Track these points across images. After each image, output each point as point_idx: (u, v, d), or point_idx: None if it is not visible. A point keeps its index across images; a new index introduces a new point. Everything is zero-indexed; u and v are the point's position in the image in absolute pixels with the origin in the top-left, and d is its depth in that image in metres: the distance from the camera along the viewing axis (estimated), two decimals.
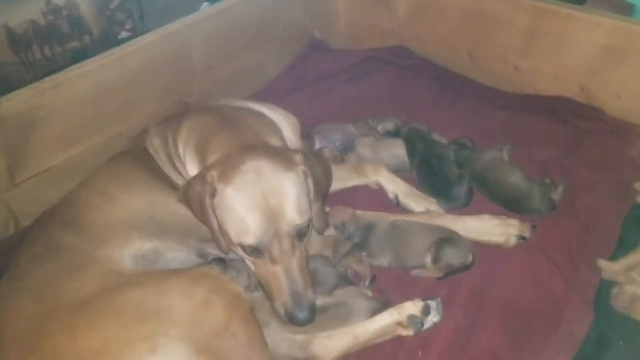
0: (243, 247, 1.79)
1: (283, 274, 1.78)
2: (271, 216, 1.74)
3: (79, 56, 2.57)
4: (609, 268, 2.01)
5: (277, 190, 1.77)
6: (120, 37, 3.52)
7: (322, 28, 3.60)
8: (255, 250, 1.78)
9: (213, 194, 1.76)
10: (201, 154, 1.94)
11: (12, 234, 2.32)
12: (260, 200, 1.74)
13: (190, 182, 1.86)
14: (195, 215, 1.87)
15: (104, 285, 1.60)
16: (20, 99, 2.19)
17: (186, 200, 1.87)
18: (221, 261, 1.90)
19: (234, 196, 1.75)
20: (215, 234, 1.82)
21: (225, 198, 1.76)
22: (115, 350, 1.46)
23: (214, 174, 1.77)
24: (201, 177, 1.80)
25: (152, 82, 2.63)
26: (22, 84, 2.27)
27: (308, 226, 1.85)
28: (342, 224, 2.12)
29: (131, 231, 1.84)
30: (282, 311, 1.78)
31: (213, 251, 1.97)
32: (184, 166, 2.02)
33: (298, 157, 1.86)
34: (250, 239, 1.75)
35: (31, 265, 1.70)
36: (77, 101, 2.36)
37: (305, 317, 1.76)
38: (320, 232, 2.02)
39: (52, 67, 2.66)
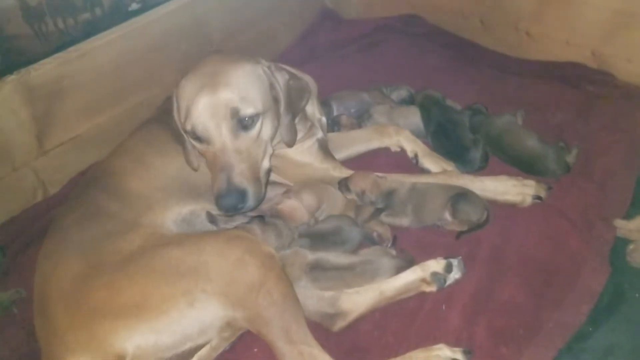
0: (192, 135, 1.86)
1: (218, 158, 1.82)
2: (211, 98, 1.80)
3: (90, 28, 2.58)
4: (625, 226, 2.07)
5: (224, 75, 1.85)
6: (130, 8, 3.51)
7: None
8: (198, 136, 1.85)
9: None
10: None
11: (39, 202, 2.38)
12: (206, 84, 1.82)
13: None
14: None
15: (145, 246, 1.67)
16: (47, 69, 2.23)
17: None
18: (261, 219, 1.94)
19: (184, 84, 1.87)
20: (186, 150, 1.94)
21: (180, 89, 1.88)
22: (156, 304, 1.54)
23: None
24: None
25: (172, 51, 2.67)
26: (36, 57, 2.30)
27: (254, 118, 1.86)
28: (362, 192, 2.13)
29: (170, 197, 1.91)
30: (215, 197, 1.80)
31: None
32: None
33: (264, 61, 1.95)
34: (189, 124, 1.83)
35: (75, 229, 1.76)
36: (101, 70, 2.40)
37: (229, 203, 1.78)
38: (289, 146, 2.03)
39: (65, 40, 2.67)
